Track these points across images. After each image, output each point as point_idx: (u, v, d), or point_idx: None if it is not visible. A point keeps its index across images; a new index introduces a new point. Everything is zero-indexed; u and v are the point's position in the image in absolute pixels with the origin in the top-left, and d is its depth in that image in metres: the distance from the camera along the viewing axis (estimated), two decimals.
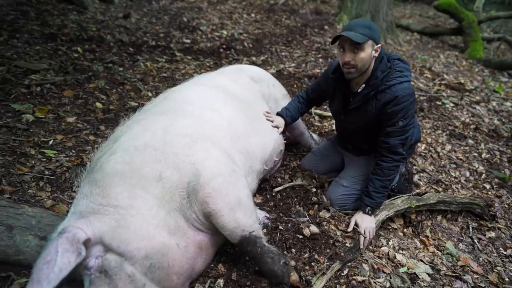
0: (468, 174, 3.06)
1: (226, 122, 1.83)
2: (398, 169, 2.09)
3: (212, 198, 1.49)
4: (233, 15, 6.44)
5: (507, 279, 2.10)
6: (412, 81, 4.28)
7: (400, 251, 2.12)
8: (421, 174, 2.91)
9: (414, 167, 2.95)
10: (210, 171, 1.52)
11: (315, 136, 2.83)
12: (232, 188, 1.56)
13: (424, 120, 3.83)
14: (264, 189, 2.26)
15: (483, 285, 2.01)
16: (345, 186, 2.22)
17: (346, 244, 1.94)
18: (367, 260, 1.96)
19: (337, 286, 1.73)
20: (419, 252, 2.16)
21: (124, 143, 1.51)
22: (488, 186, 2.95)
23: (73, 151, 2.30)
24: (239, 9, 6.92)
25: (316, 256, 1.79)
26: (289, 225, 1.92)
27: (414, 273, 1.97)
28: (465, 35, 6.93)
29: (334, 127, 3.23)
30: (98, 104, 2.87)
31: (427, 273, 2.00)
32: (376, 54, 1.87)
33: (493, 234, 2.45)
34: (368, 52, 1.82)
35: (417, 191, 2.54)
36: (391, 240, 2.18)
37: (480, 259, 2.23)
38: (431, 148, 3.32)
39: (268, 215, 1.97)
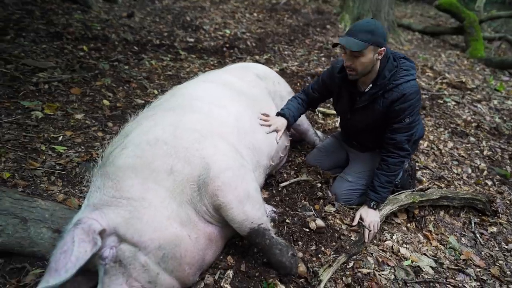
0: (470, 171, 3.10)
1: (233, 118, 1.87)
2: (403, 164, 2.14)
3: (221, 191, 1.53)
4: (235, 14, 6.48)
5: (508, 272, 2.14)
6: None
7: (404, 245, 2.16)
8: (424, 171, 2.94)
9: (417, 164, 2.99)
10: (220, 165, 1.56)
11: (319, 133, 2.87)
12: (241, 182, 1.60)
13: (426, 118, 3.86)
14: (270, 184, 2.30)
15: (485, 278, 2.05)
16: (350, 181, 2.26)
17: (351, 238, 1.98)
18: (371, 253, 2.00)
19: (343, 278, 1.77)
20: (422, 246, 2.20)
21: (135, 138, 1.55)
22: (489, 183, 2.99)
23: (82, 147, 2.34)
24: (241, 8, 6.95)
25: (322, 248, 1.83)
26: (295, 219, 1.96)
27: (418, 266, 2.01)
28: (466, 34, 6.96)
29: (337, 125, 3.27)
30: (105, 102, 2.91)
31: (430, 266, 2.04)
32: (380, 57, 1.88)
33: (495, 229, 2.49)
34: (369, 57, 1.83)
35: (420, 186, 2.57)
36: (395, 235, 2.22)
37: (482, 253, 2.27)
38: (433, 146, 3.36)
39: (275, 209, 2.01)
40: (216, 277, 1.61)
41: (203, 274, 1.61)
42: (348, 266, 1.85)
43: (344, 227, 2.05)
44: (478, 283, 2.01)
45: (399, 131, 1.99)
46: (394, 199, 2.26)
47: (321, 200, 2.19)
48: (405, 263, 2.02)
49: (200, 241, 1.51)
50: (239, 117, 1.92)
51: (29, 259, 1.59)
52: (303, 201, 2.15)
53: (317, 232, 1.92)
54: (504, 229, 2.52)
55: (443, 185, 2.79)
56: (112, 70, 3.49)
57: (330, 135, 2.72)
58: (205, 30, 5.45)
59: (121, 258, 1.30)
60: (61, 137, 2.37)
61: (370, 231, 2.00)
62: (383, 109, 1.98)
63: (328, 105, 3.65)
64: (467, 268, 2.09)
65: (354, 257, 1.92)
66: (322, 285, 1.65)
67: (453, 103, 4.33)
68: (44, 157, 2.15)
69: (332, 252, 1.83)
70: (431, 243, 2.25)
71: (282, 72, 4.25)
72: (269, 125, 2.09)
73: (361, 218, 2.06)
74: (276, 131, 2.12)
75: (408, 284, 1.88)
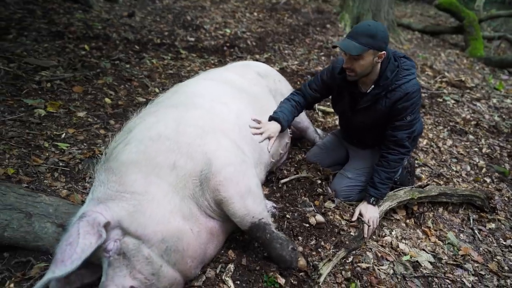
0: (469, 168, 3.13)
1: (234, 115, 1.90)
2: (403, 161, 2.16)
3: (223, 186, 1.55)
4: (236, 14, 6.50)
5: (506, 268, 2.16)
6: None
7: (403, 241, 2.18)
8: (423, 168, 2.97)
9: (416, 162, 3.01)
10: (222, 160, 1.59)
11: (319, 131, 2.90)
12: (242, 177, 1.63)
13: (426, 116, 3.89)
14: (271, 181, 2.33)
15: (483, 273, 2.08)
16: (350, 177, 2.28)
17: (351, 233, 2.01)
18: (371, 249, 2.03)
19: (343, 272, 1.79)
20: (421, 241, 2.23)
21: (138, 134, 1.57)
22: (488, 180, 3.01)
23: (85, 144, 2.36)
24: (241, 8, 6.98)
25: (322, 243, 1.86)
26: (295, 214, 1.99)
27: (417, 261, 2.04)
28: (466, 33, 6.99)
29: (337, 123, 3.29)
30: (107, 100, 2.94)
31: (429, 261, 2.07)
32: (380, 60, 1.88)
33: (493, 226, 2.51)
34: (369, 60, 1.83)
35: (419, 183, 2.60)
36: (394, 230, 2.24)
37: (481, 249, 2.29)
38: (432, 143, 3.38)
39: (275, 205, 2.03)
40: (218, 271, 1.64)
41: (204, 267, 1.63)
42: (347, 261, 1.88)
43: (343, 222, 2.07)
44: (476, 278, 2.04)
45: (400, 129, 2.02)
46: (393, 195, 2.28)
47: (321, 196, 2.21)
48: (404, 258, 2.04)
49: (202, 235, 1.54)
50: (241, 114, 1.95)
51: (34, 253, 1.62)
52: (303, 197, 2.17)
53: (317, 228, 1.95)
54: (502, 226, 2.54)
55: (442, 182, 2.81)
56: (114, 69, 3.52)
57: (330, 132, 2.75)
58: (205, 29, 5.47)
59: (125, 250, 1.32)
60: (64, 134, 2.39)
61: (369, 226, 2.03)
62: (386, 109, 1.99)
63: (328, 103, 3.67)
64: (465, 263, 2.12)
65: (354, 252, 1.95)
66: (322, 278, 1.67)
67: (453, 101, 4.36)
68: (47, 154, 2.18)
69: (332, 247, 1.85)
70: (430, 239, 2.27)
71: (282, 71, 4.27)
72: (262, 133, 2.00)
73: (360, 214, 2.09)
74: (269, 138, 2.04)
75: (407, 279, 1.90)
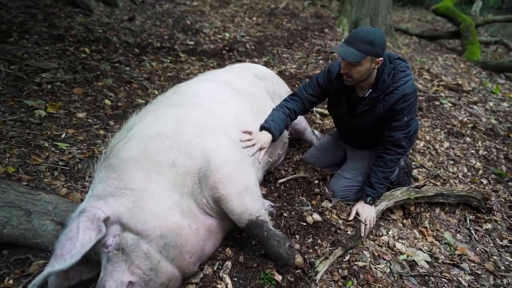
0: (465, 169, 3.15)
1: (233, 115, 1.93)
2: (400, 161, 2.18)
3: (222, 183, 1.58)
4: (235, 18, 6.57)
5: (502, 267, 2.18)
6: None
7: (400, 240, 2.20)
8: (420, 170, 2.99)
9: (413, 163, 3.04)
10: (220, 158, 1.61)
11: (316, 132, 2.92)
12: (240, 175, 1.65)
13: (423, 119, 3.92)
14: (268, 181, 2.35)
15: (479, 273, 2.09)
16: (347, 178, 2.30)
17: (348, 232, 2.02)
18: (368, 248, 2.04)
19: (339, 270, 1.81)
20: (418, 241, 2.24)
21: (138, 132, 1.60)
22: (485, 181, 3.04)
23: (84, 144, 2.38)
24: (240, 13, 7.05)
25: (319, 241, 1.87)
26: (293, 213, 2.01)
27: (413, 260, 2.06)
28: (463, 38, 7.06)
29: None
30: (107, 101, 2.97)
31: (425, 261, 2.08)
32: (377, 66, 1.89)
33: (489, 226, 2.53)
34: (366, 66, 1.85)
35: (416, 184, 2.62)
36: (391, 230, 2.26)
37: (477, 248, 2.31)
38: (429, 145, 3.41)
39: (273, 204, 2.05)
40: (215, 268, 1.65)
41: (202, 265, 1.65)
42: (344, 259, 1.89)
43: (340, 221, 2.09)
44: (472, 277, 2.05)
45: (397, 129, 2.04)
46: (390, 195, 2.30)
47: (318, 196, 2.23)
48: (401, 257, 2.06)
49: (200, 232, 1.56)
50: (239, 114, 1.98)
51: (33, 250, 1.64)
52: (300, 196, 2.19)
53: (314, 226, 1.97)
54: (499, 226, 2.56)
55: (439, 183, 2.83)
56: (114, 71, 3.55)
57: (327, 133, 2.77)
58: (205, 33, 5.52)
59: (124, 246, 1.34)
60: (64, 134, 2.42)
61: (366, 225, 2.04)
62: (384, 111, 2.01)
63: (326, 105, 3.70)
64: (461, 263, 2.13)
65: (351, 250, 1.96)
66: (319, 276, 1.69)
67: (450, 104, 4.39)
68: (47, 153, 2.20)
69: (329, 245, 1.87)
70: (426, 239, 2.29)
71: (280, 74, 4.31)
72: (253, 144, 1.93)
73: (357, 213, 2.11)
74: (261, 149, 1.98)
75: (404, 277, 1.92)
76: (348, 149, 2.49)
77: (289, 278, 1.65)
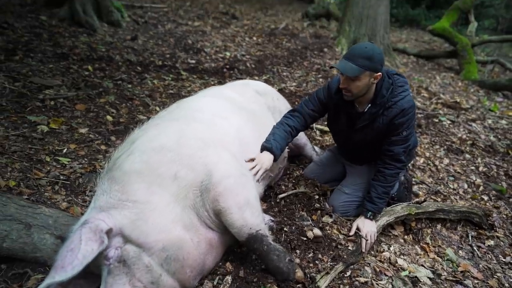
0: (466, 186, 3.15)
1: (234, 130, 1.95)
2: (399, 176, 2.19)
3: (223, 196, 1.58)
4: (235, 38, 6.71)
5: (507, 285, 2.15)
6: None
7: (401, 256, 2.18)
8: (420, 186, 2.99)
9: (414, 179, 3.04)
10: (222, 172, 1.63)
11: (316, 148, 2.94)
12: (241, 189, 1.66)
13: (422, 136, 3.95)
14: (269, 196, 2.35)
15: None
16: (347, 193, 2.30)
17: (349, 247, 2.01)
18: (369, 264, 2.02)
19: (341, 286, 1.79)
20: (420, 257, 2.22)
21: (141, 145, 1.62)
22: (486, 198, 3.03)
23: (86, 159, 2.40)
24: (241, 33, 7.20)
25: (320, 256, 1.86)
26: (293, 228, 2.00)
27: (416, 276, 2.03)
28: (460, 57, 7.18)
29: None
30: (109, 117, 3.00)
31: (428, 277, 2.05)
32: (376, 81, 1.92)
33: (492, 243, 2.51)
34: (365, 81, 1.88)
35: (416, 199, 2.62)
36: (392, 246, 2.24)
37: (480, 265, 2.28)
38: (429, 162, 3.42)
39: (273, 219, 2.05)
40: (215, 283, 1.64)
41: (202, 279, 1.63)
42: (345, 275, 1.87)
43: (341, 237, 2.08)
44: None
45: (396, 144, 2.06)
46: (391, 210, 2.30)
47: (319, 211, 2.23)
48: (403, 273, 2.03)
49: (202, 245, 1.55)
50: (240, 129, 2.00)
51: (31, 264, 1.62)
52: (301, 211, 2.19)
53: (314, 241, 1.96)
54: (501, 243, 2.54)
55: (439, 199, 2.83)
56: (116, 88, 3.60)
57: (327, 149, 2.79)
58: (206, 52, 5.63)
59: (125, 258, 1.33)
60: (66, 149, 2.43)
61: (367, 240, 2.03)
62: (384, 126, 2.03)
63: (326, 122, 3.74)
64: (465, 280, 2.10)
65: (352, 266, 1.94)
66: None
67: (448, 122, 4.43)
68: (48, 168, 2.21)
69: (330, 260, 1.85)
70: (428, 255, 2.27)
71: (281, 92, 4.34)
72: (258, 169, 1.92)
73: (358, 228, 2.10)
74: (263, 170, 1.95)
75: None
76: (348, 164, 2.50)
77: None
